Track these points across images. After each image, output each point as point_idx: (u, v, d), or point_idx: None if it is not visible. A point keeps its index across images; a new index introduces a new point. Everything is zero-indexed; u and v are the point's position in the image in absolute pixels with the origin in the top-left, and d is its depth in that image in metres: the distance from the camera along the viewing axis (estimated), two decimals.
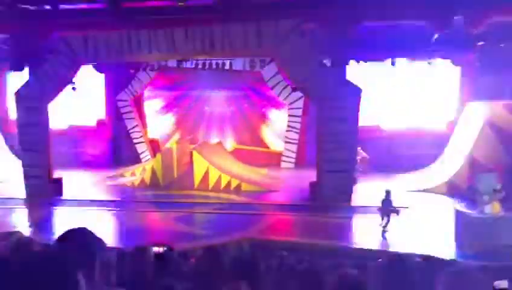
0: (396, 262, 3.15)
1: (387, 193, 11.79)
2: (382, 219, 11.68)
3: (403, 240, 11.23)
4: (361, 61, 17.79)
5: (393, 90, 20.34)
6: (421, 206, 14.07)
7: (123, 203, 15.57)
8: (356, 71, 17.27)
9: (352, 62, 16.70)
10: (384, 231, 11.58)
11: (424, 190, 16.00)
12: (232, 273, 3.75)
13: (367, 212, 13.04)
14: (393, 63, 18.06)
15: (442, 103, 20.09)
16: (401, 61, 18.74)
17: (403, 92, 20.32)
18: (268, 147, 23.04)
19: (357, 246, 10.92)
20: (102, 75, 22.25)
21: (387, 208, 11.64)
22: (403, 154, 20.25)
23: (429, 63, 17.60)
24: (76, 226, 2.33)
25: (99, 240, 2.32)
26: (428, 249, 10.13)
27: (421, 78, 19.88)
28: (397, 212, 11.58)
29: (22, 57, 16.40)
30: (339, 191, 14.48)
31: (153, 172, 17.84)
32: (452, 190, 15.56)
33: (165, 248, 5.16)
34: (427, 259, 8.70)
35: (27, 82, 16.25)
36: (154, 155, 20.49)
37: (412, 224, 12.40)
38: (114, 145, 23.26)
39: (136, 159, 22.48)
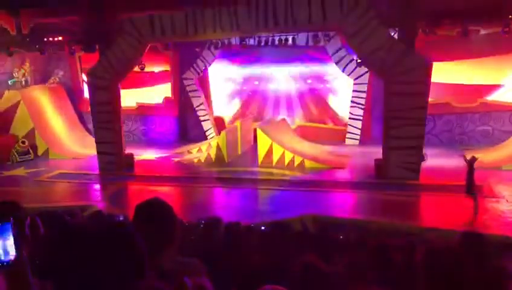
0: (471, 240, 3.04)
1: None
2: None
3: (474, 219, 10.76)
4: (430, 32, 16.91)
5: (465, 62, 19.26)
6: (495, 185, 13.38)
7: (190, 179, 16.01)
8: (424, 43, 16.51)
9: (420, 33, 16.00)
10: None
11: (497, 167, 15.17)
12: (297, 248, 3.77)
13: (435, 190, 12.60)
14: (465, 33, 17.01)
15: None
16: (473, 31, 17.62)
17: (475, 64, 19.19)
18: (332, 124, 22.75)
19: (426, 225, 10.60)
20: (169, 54, 22.79)
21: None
22: (475, 130, 19.36)
23: (505, 32, 16.38)
24: (149, 199, 2.42)
25: (172, 211, 2.40)
26: (503, 229, 9.68)
27: (494, 47, 18.64)
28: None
29: (92, 38, 17.14)
30: (406, 168, 14.09)
31: (218, 149, 18.18)
32: None
33: (232, 223, 5.27)
34: (502, 239, 8.34)
35: (98, 62, 16.96)
36: (219, 132, 20.83)
37: (485, 204, 11.84)
38: (180, 122, 23.88)
39: (201, 137, 22.98)
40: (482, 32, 18.00)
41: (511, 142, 16.73)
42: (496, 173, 14.64)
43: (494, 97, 19.22)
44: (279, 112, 23.10)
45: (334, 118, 22.69)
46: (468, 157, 11.36)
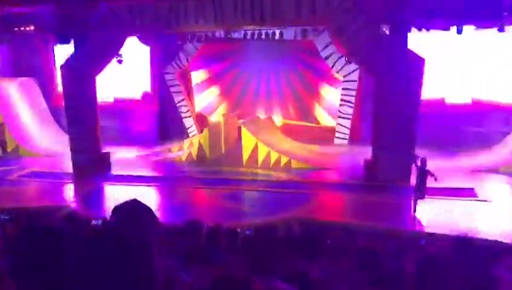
0: (463, 246, 3.08)
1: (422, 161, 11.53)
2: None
3: (467, 223, 10.93)
4: (423, 29, 17.09)
5: (459, 61, 19.50)
6: (488, 189, 13.59)
7: (170, 179, 15.95)
8: (418, 40, 16.66)
9: (413, 30, 16.14)
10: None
11: (492, 171, 15.41)
12: (283, 253, 3.79)
13: (427, 193, 12.73)
14: (459, 31, 17.23)
15: None
16: (468, 28, 17.85)
17: (470, 62, 19.44)
18: (320, 123, 22.85)
19: (416, 229, 10.74)
20: (148, 48, 22.63)
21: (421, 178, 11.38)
22: (469, 131, 19.60)
23: (500, 30, 16.64)
24: (127, 200, 2.41)
25: (152, 213, 2.39)
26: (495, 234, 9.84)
27: (490, 46, 18.91)
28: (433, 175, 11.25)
29: (68, 28, 16.92)
30: (397, 169, 14.21)
31: (200, 147, 18.16)
32: None
33: (214, 225, 5.27)
34: (494, 244, 8.48)
35: (74, 54, 16.77)
36: (201, 130, 20.79)
37: (479, 208, 12.03)
38: (160, 119, 23.74)
39: (183, 134, 22.89)
40: (477, 29, 18.23)
41: (504, 144, 16.99)
42: (489, 176, 14.88)
43: (489, 96, 19.45)
44: (266, 109, 23.12)
45: (321, 116, 22.75)
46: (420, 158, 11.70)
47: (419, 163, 11.58)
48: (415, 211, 11.52)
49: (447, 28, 17.34)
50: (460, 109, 19.70)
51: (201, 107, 24.11)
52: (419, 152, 14.27)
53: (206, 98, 24.15)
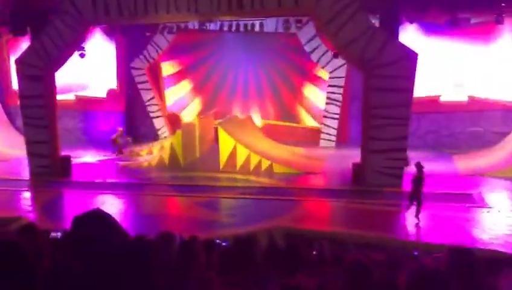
0: (459, 258, 3.11)
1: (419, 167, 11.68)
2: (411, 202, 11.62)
3: (463, 232, 11.08)
4: (416, 21, 17.31)
5: (454, 56, 19.79)
6: (486, 194, 13.80)
7: (138, 186, 15.82)
8: (410, 33, 16.88)
9: (405, 22, 16.33)
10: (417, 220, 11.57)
11: (489, 174, 15.67)
12: (264, 267, 3.78)
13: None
14: (454, 22, 17.49)
15: None
16: (463, 20, 18.13)
17: (466, 57, 19.75)
18: (304, 123, 22.94)
19: (409, 238, 10.84)
20: (114, 40, 22.46)
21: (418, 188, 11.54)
22: (464, 131, 19.91)
23: (498, 22, 16.94)
24: (88, 210, 2.37)
25: (118, 225, 2.36)
26: (494, 243, 10.00)
27: (486, 40, 19.25)
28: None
29: (23, 18, 16.68)
30: (387, 174, 14.34)
31: (173, 151, 18.04)
32: None
33: (188, 237, 5.23)
34: (493, 255, 8.58)
35: (29, 47, 16.54)
36: (173, 131, 20.70)
37: (475, 215, 12.21)
38: (127, 119, 23.58)
39: (153, 136, 22.76)
40: (473, 20, 18.54)
41: (503, 146, 17.29)
42: (487, 180, 15.12)
43: (485, 94, 19.79)
44: (244, 107, 23.12)
45: (306, 116, 22.85)
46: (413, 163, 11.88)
47: (415, 168, 11.68)
48: (417, 218, 11.60)
49: (440, 20, 17.59)
50: (456, 108, 20.00)
51: (172, 102, 23.96)
52: (412, 155, 14.48)
53: (176, 93, 24.03)
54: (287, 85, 22.77)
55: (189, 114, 23.64)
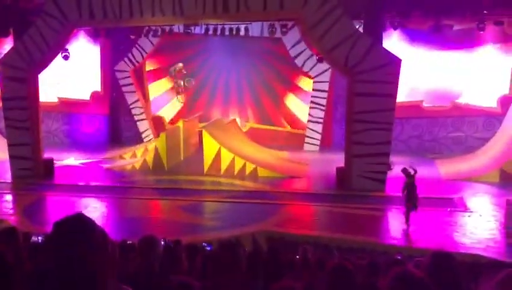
0: (440, 263, 3.14)
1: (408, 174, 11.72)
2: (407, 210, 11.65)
3: (445, 236, 11.18)
4: (399, 27, 17.46)
5: (437, 61, 19.99)
6: (468, 198, 13.94)
7: (121, 189, 15.72)
8: (394, 38, 17.01)
9: (389, 28, 16.46)
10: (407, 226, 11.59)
11: (470, 179, 15.82)
12: (247, 271, 3.77)
13: (403, 203, 12.96)
14: (437, 29, 17.68)
15: (494, 76, 19.61)
16: (446, 26, 18.33)
17: (448, 63, 19.95)
18: (289, 127, 22.99)
19: (392, 243, 10.90)
20: (98, 42, 22.32)
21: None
22: (447, 136, 20.11)
23: (480, 29, 17.14)
24: (70, 214, 2.34)
25: (100, 229, 2.33)
26: (475, 247, 10.12)
27: (469, 46, 19.47)
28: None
29: (5, 19, 16.53)
30: (371, 178, 14.43)
31: (157, 154, 17.96)
32: (505, 179, 15.35)
33: (172, 241, 5.22)
34: (475, 259, 8.68)
35: (12, 49, 16.38)
36: (157, 134, 20.60)
37: (457, 219, 12.32)
38: (111, 122, 23.44)
39: (137, 139, 22.63)
40: (456, 27, 18.74)
41: (485, 151, 17.49)
42: (469, 185, 15.27)
43: (467, 100, 20.00)
44: (229, 111, 23.11)
45: (292, 120, 22.91)
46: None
47: (411, 172, 11.69)
48: (407, 223, 11.59)
49: (424, 26, 17.78)
50: (439, 113, 20.20)
51: (161, 110, 23.89)
52: (395, 159, 14.59)
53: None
54: (269, 93, 22.81)
55: (168, 113, 23.57)
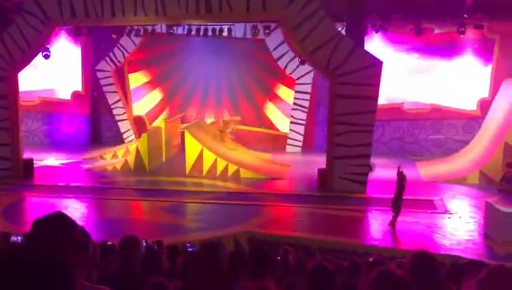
0: (421, 263, 3.16)
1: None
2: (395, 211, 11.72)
3: (425, 238, 11.29)
4: (381, 30, 17.60)
5: (417, 65, 20.17)
6: (448, 200, 14.09)
7: (102, 189, 15.60)
8: (376, 41, 17.12)
9: (371, 31, 16.58)
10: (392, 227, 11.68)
11: (450, 181, 15.99)
12: (229, 271, 3.76)
13: (383, 205, 13.08)
14: (418, 32, 17.86)
15: (474, 79, 19.84)
16: (427, 30, 18.52)
17: (429, 66, 20.14)
18: (271, 128, 22.99)
19: (373, 244, 10.97)
20: (79, 42, 22.12)
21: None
22: (427, 138, 20.29)
23: (460, 32, 17.34)
24: (50, 214, 2.31)
25: (80, 229, 2.31)
26: (455, 248, 10.24)
27: (449, 50, 19.68)
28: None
29: None
30: (352, 180, 14.51)
31: (138, 154, 17.84)
32: (484, 181, 15.55)
33: (154, 242, 5.18)
34: (454, 260, 8.77)
35: None
36: (139, 135, 20.46)
37: (437, 221, 12.45)
38: (92, 122, 23.24)
39: (117, 139, 22.46)
40: (437, 30, 18.96)
41: (464, 153, 17.68)
42: (449, 187, 15.43)
43: (447, 103, 20.20)
44: (208, 112, 23.01)
45: (273, 122, 22.90)
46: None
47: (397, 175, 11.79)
48: (392, 225, 11.67)
49: (405, 29, 17.95)
50: (419, 116, 20.37)
51: (143, 110, 23.69)
52: (376, 161, 14.70)
53: (147, 103, 23.73)
54: (257, 88, 22.76)
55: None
